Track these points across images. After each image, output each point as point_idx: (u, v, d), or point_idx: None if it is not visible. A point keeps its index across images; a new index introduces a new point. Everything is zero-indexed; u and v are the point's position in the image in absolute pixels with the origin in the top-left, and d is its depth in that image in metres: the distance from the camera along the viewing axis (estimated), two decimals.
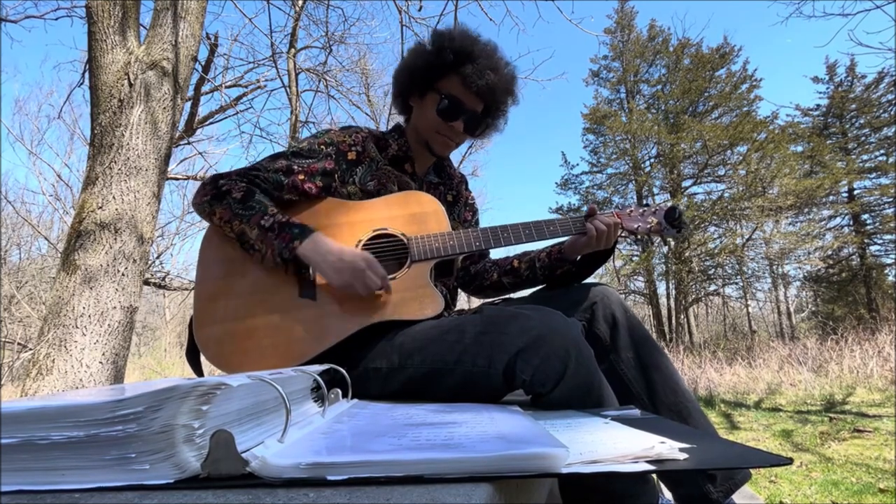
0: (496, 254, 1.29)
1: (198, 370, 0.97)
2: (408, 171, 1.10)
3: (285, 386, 0.43)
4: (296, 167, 0.99)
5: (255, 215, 0.90)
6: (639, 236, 1.09)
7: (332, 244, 0.90)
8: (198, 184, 0.99)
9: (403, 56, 1.11)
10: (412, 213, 0.99)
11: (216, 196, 0.93)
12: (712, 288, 13.69)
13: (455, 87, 1.03)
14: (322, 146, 1.03)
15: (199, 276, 0.95)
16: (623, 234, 1.09)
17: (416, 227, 0.98)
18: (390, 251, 0.98)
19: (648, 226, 1.07)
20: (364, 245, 0.97)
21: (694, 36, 17.31)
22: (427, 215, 0.99)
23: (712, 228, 12.74)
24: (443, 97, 1.03)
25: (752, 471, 1.05)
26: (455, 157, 1.29)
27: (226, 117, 5.65)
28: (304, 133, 6.05)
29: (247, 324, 0.90)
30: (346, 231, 0.97)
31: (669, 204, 1.09)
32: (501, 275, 1.19)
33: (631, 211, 1.09)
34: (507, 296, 1.23)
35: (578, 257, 1.11)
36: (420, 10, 4.50)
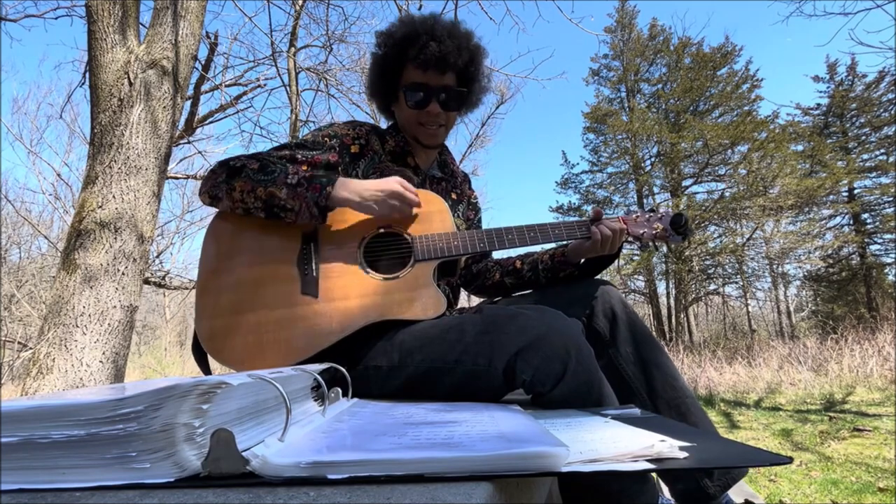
0: (498, 254, 1.29)
1: (204, 366, 0.97)
2: (410, 164, 1.10)
3: (285, 385, 0.43)
4: (299, 156, 0.98)
5: (279, 176, 0.90)
6: (644, 242, 1.08)
7: (359, 181, 0.92)
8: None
9: (368, 72, 1.12)
10: (417, 212, 0.99)
11: (231, 173, 0.92)
12: (712, 287, 13.69)
13: (412, 74, 1.03)
14: (326, 139, 1.03)
15: (201, 269, 0.94)
16: (628, 240, 1.08)
17: (420, 226, 0.98)
18: (394, 249, 0.98)
19: (654, 232, 1.06)
20: (368, 242, 0.96)
21: (694, 35, 17.26)
22: (432, 214, 0.99)
23: (712, 228, 12.73)
24: (407, 90, 1.04)
25: (751, 470, 1.06)
26: (455, 155, 1.28)
27: (226, 116, 5.64)
28: (304, 132, 6.05)
29: (248, 318, 0.90)
30: (350, 227, 0.97)
31: (675, 211, 1.08)
32: (504, 275, 1.19)
33: (637, 216, 1.08)
34: (508, 295, 1.23)
35: (582, 261, 1.10)
36: (420, 8, 4.50)
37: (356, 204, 0.91)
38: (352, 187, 0.91)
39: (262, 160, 0.94)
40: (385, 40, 1.03)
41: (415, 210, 0.99)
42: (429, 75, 1.02)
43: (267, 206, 0.91)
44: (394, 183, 0.91)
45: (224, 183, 0.92)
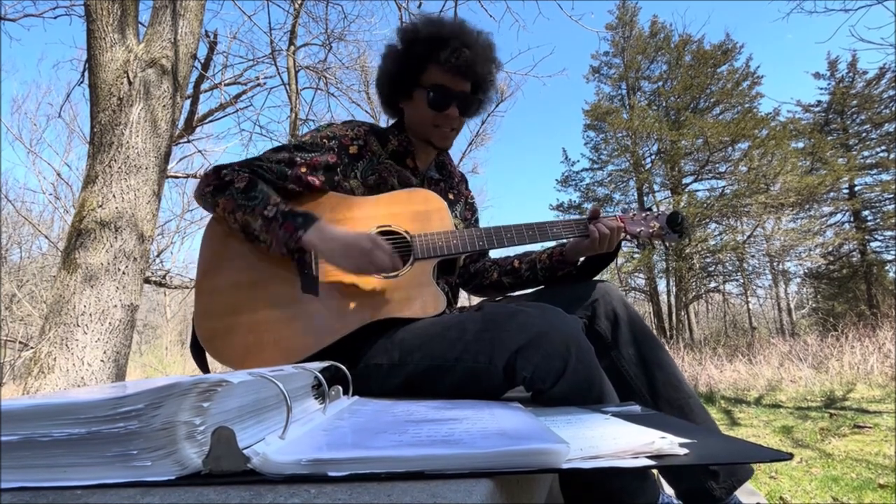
0: (496, 253, 1.29)
1: (202, 366, 0.97)
2: (409, 165, 1.10)
3: (286, 383, 0.43)
4: (298, 159, 0.98)
5: (258, 206, 0.89)
6: (641, 241, 1.09)
7: (335, 230, 0.90)
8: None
9: (379, 66, 1.11)
10: (416, 211, 0.99)
11: (219, 187, 0.92)
12: (713, 285, 13.69)
13: (437, 75, 1.02)
14: (324, 140, 1.02)
15: (199, 270, 0.94)
16: (626, 238, 1.08)
17: (419, 225, 0.98)
18: (393, 248, 0.98)
19: (651, 230, 1.07)
20: None
21: (695, 32, 17.25)
22: (431, 213, 0.99)
23: (713, 225, 12.73)
24: (429, 90, 1.02)
25: (752, 467, 1.05)
26: (455, 153, 1.30)
27: (225, 115, 5.63)
28: (304, 131, 6.05)
29: (248, 318, 0.90)
30: (349, 227, 0.97)
31: (672, 209, 1.09)
32: (502, 274, 1.19)
33: (634, 215, 1.08)
34: (506, 294, 1.23)
35: (580, 260, 1.10)
36: (420, 6, 4.49)
37: (324, 254, 0.89)
38: (325, 235, 0.88)
39: (252, 176, 0.93)
40: (410, 37, 1.03)
41: (414, 209, 0.99)
42: (453, 79, 1.02)
43: (243, 230, 0.91)
44: (367, 241, 0.87)
45: (210, 195, 0.92)
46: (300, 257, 0.93)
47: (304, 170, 0.97)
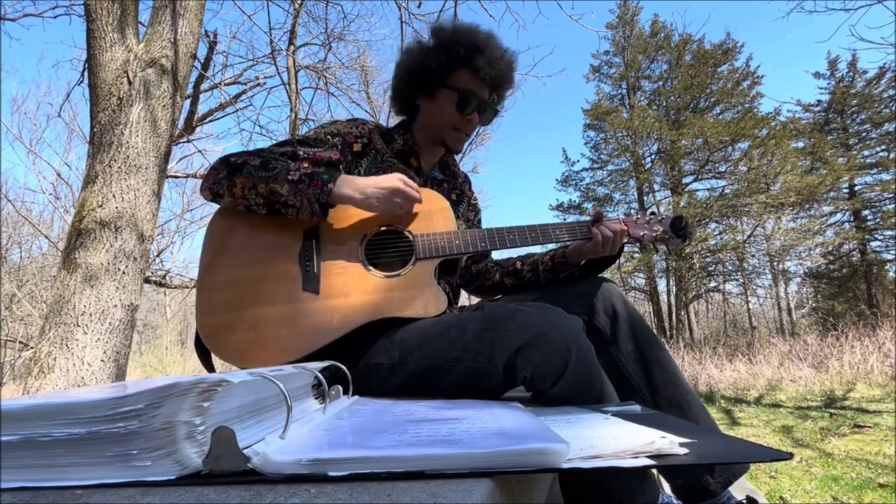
0: (499, 254, 1.29)
1: (207, 364, 0.97)
2: (413, 165, 1.10)
3: (286, 383, 0.43)
4: (301, 153, 0.98)
5: (280, 173, 0.90)
6: (644, 244, 1.09)
7: (361, 178, 0.93)
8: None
9: (402, 58, 1.11)
10: (419, 211, 0.99)
11: (233, 170, 0.92)
12: (713, 284, 13.70)
13: (467, 80, 1.05)
14: (328, 136, 1.02)
15: (201, 266, 0.94)
16: (629, 241, 1.08)
17: (422, 225, 0.98)
18: (395, 247, 0.98)
19: (654, 234, 1.06)
20: (370, 240, 0.96)
21: (695, 32, 17.24)
22: (433, 213, 0.99)
23: (713, 225, 12.73)
24: (458, 92, 1.05)
25: (752, 466, 1.06)
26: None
27: (225, 115, 5.63)
28: (304, 130, 6.04)
29: (249, 315, 0.90)
30: (352, 224, 0.97)
31: (675, 213, 1.09)
32: (504, 276, 1.19)
33: (637, 218, 1.08)
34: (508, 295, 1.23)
35: (582, 262, 1.11)
36: (420, 6, 4.49)
37: (358, 201, 0.91)
38: (354, 184, 0.91)
39: (264, 157, 0.94)
40: (445, 38, 1.04)
41: (417, 208, 0.99)
42: (481, 87, 1.05)
43: (268, 202, 0.90)
44: (395, 180, 0.91)
45: (225, 179, 0.92)
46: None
47: (305, 164, 0.98)
